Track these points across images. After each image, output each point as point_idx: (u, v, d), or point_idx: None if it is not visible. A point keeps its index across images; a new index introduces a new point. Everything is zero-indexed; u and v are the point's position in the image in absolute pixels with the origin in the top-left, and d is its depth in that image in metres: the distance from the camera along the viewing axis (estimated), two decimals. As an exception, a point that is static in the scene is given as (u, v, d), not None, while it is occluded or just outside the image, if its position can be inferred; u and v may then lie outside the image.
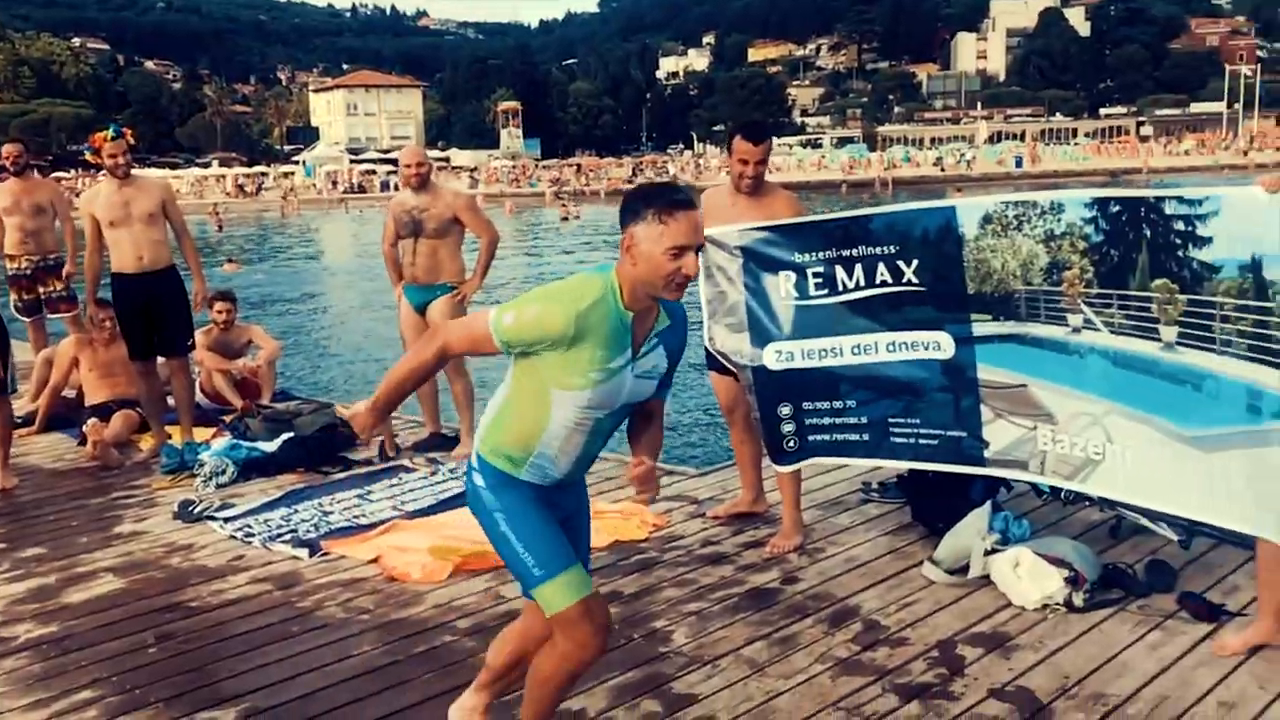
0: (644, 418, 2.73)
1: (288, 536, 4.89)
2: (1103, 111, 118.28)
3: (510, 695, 3.04)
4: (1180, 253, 3.53)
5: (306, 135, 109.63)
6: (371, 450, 6.35)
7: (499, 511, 2.66)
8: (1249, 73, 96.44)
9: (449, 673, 3.55)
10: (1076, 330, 3.84)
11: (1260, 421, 3.39)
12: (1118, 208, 3.67)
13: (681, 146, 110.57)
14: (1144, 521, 4.48)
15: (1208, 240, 3.46)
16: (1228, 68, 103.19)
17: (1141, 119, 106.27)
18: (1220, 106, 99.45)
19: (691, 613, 4.00)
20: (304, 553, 4.71)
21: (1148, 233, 3.58)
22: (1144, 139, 75.86)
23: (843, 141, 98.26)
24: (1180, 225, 3.51)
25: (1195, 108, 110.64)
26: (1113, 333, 3.74)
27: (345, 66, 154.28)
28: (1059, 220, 3.80)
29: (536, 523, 2.64)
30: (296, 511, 5.24)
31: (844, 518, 5.01)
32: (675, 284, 2.45)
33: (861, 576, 4.31)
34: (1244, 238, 3.37)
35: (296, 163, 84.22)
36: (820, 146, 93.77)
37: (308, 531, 4.94)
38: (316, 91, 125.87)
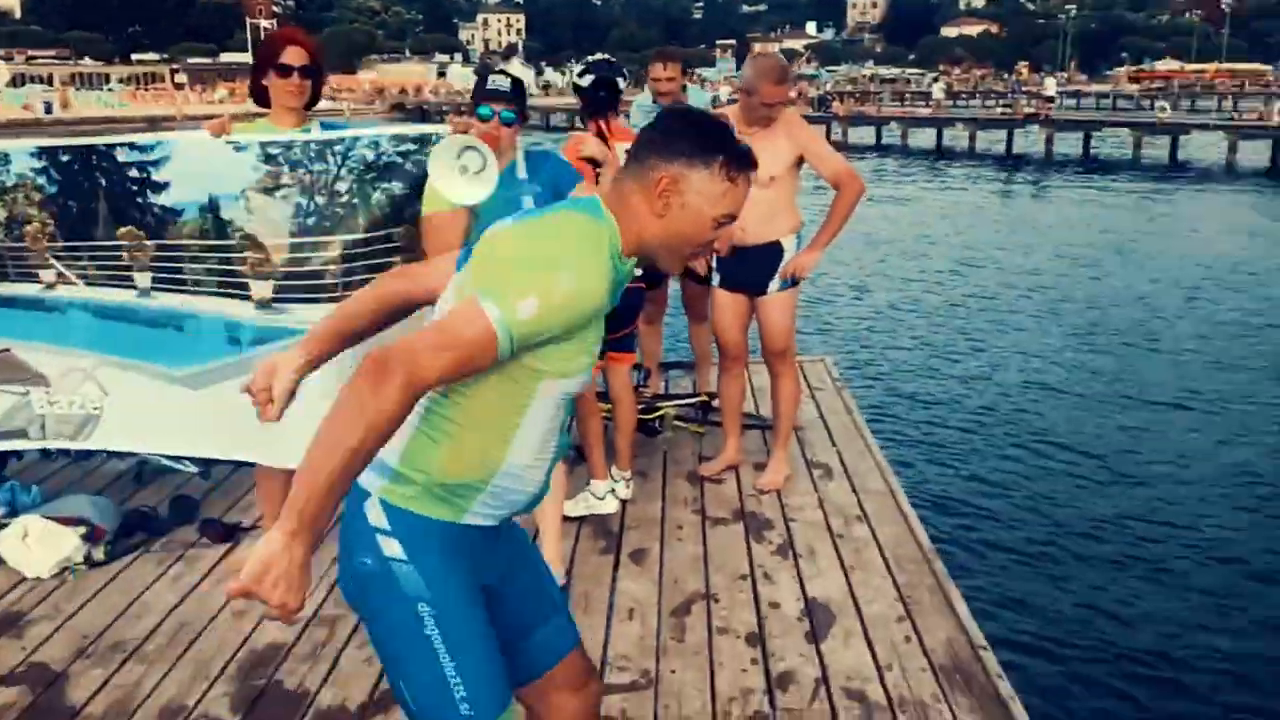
0: None
1: None
2: (135, 57, 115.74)
3: None
4: (140, 200, 3.61)
5: None
6: None
7: (426, 604, 1.74)
8: (268, 25, 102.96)
9: None
10: (50, 286, 3.71)
11: (241, 351, 3.68)
12: (67, 157, 3.59)
13: None
14: (166, 461, 4.58)
15: (165, 185, 3.59)
16: (248, 20, 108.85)
17: (175, 66, 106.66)
18: (247, 57, 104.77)
19: None
20: None
21: (103, 181, 3.58)
22: (179, 86, 76.21)
23: None
24: (135, 173, 3.58)
25: (225, 57, 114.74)
26: (88, 284, 3.69)
27: None
28: (8, 172, 3.59)
29: (480, 634, 1.79)
30: None
31: None
32: (696, 256, 1.88)
33: None
34: (199, 180, 3.57)
35: None
36: None
37: None
38: None
